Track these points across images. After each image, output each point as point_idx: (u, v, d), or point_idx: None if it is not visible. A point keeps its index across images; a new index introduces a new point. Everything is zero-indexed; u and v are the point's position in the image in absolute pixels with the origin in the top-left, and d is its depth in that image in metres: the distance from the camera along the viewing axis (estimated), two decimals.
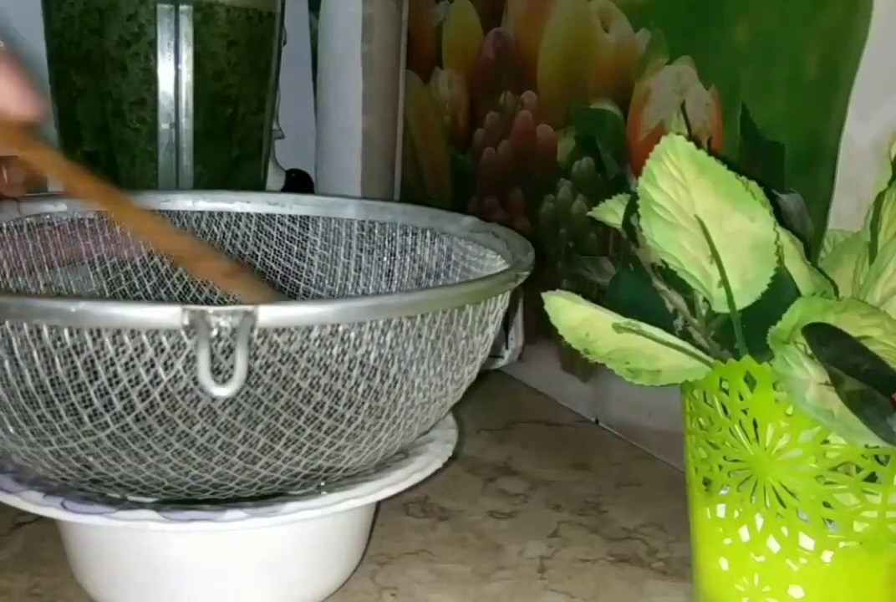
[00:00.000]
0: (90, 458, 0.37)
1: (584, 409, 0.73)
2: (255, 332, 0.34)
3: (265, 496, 0.41)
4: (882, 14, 0.46)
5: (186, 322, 0.32)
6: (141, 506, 0.39)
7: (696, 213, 0.37)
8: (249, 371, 0.35)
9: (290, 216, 0.59)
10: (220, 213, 0.58)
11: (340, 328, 0.36)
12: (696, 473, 0.43)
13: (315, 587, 0.45)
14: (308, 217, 0.59)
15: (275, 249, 0.59)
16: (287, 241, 0.59)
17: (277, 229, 0.59)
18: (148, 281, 0.57)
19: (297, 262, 0.59)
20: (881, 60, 0.46)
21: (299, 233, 0.59)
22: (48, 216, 0.54)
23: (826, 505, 0.38)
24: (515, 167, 0.78)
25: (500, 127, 0.79)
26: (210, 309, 0.32)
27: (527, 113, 0.75)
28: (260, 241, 0.59)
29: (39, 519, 0.41)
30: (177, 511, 0.39)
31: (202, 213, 0.58)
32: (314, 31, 0.95)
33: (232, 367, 0.32)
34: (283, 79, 0.90)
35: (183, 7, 0.74)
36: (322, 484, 0.42)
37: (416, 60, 0.91)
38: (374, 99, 0.90)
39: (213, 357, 0.33)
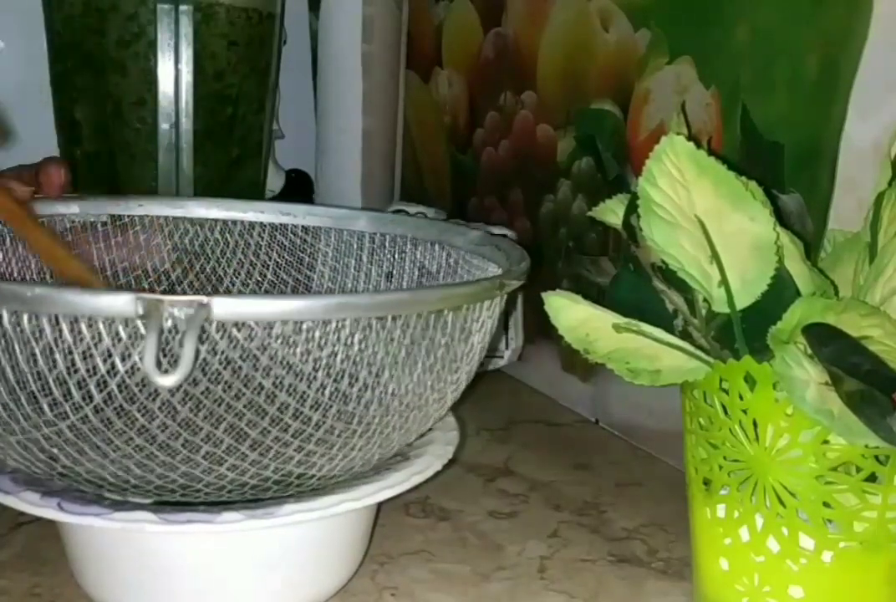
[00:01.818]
0: (55, 450, 0.37)
1: (584, 409, 0.73)
2: (214, 326, 0.33)
3: (266, 497, 0.41)
4: (882, 14, 0.46)
5: (141, 311, 0.31)
6: (138, 507, 0.39)
7: (696, 213, 0.37)
8: (208, 366, 0.34)
9: (302, 226, 0.59)
10: (234, 222, 0.59)
11: (304, 326, 0.35)
12: (696, 473, 0.43)
13: (316, 589, 0.45)
14: (320, 228, 0.59)
15: (287, 259, 0.59)
16: (299, 252, 0.59)
17: (290, 239, 0.59)
18: (158, 286, 0.57)
19: (308, 272, 0.59)
20: (881, 60, 0.46)
21: (311, 244, 0.59)
22: (60, 218, 0.54)
23: (826, 505, 0.38)
24: (515, 167, 0.78)
25: (500, 127, 0.79)
26: (165, 298, 0.32)
27: (527, 113, 0.75)
28: (272, 250, 0.59)
29: (39, 519, 0.41)
30: (173, 513, 0.39)
31: (216, 221, 0.59)
32: (314, 31, 0.95)
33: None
34: (283, 79, 0.90)
35: (183, 7, 0.74)
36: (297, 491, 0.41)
37: (416, 60, 0.91)
38: (374, 99, 0.90)
39: (170, 349, 0.33)
